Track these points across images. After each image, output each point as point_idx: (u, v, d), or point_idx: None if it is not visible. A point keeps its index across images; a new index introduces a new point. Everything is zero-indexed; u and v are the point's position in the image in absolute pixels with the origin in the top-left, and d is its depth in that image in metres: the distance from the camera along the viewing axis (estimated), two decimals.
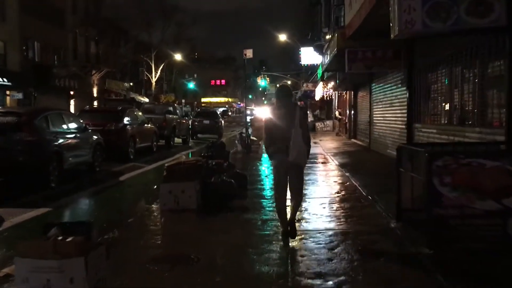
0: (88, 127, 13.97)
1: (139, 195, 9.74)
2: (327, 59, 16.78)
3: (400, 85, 12.67)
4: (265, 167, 13.46)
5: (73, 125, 11.74)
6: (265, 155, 17.63)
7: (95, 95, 39.61)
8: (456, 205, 5.10)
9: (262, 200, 8.62)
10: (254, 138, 19.08)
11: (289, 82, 75.09)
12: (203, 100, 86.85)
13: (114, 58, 42.90)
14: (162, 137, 19.30)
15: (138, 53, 50.34)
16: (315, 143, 21.01)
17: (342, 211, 7.58)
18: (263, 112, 38.07)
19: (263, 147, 18.68)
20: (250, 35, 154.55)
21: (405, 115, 11.88)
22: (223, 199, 8.44)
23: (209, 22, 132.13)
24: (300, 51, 32.71)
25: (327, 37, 25.51)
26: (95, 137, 12.62)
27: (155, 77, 53.65)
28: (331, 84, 24.31)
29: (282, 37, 45.48)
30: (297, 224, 6.34)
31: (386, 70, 12.23)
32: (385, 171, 11.62)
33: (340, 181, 10.41)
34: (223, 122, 27.91)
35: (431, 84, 10.59)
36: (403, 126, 12.09)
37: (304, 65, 34.26)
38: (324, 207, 7.84)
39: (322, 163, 14.02)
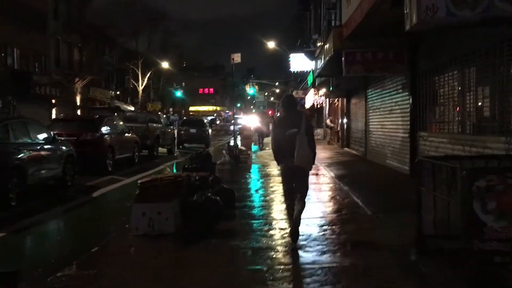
0: (61, 137, 12.74)
1: (111, 216, 8.49)
2: (319, 65, 15.68)
3: (401, 90, 11.58)
4: (255, 180, 12.25)
5: (39, 136, 10.43)
6: (255, 166, 16.47)
7: (78, 103, 38.10)
8: (504, 239, 3.92)
9: (252, 221, 7.40)
10: (243, 148, 17.86)
11: (277, 91, 74.21)
12: (191, 108, 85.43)
13: (98, 66, 41.48)
14: (145, 147, 18.00)
15: (124, 61, 49.03)
16: None
17: (346, 235, 6.36)
18: (251, 121, 36.98)
19: (253, 157, 17.37)
20: (238, 44, 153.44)
21: (408, 122, 10.79)
22: (207, 220, 7.23)
23: (197, 31, 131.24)
24: (289, 57, 31.66)
25: (318, 44, 24.51)
26: (66, 148, 11.32)
27: (142, 85, 52.29)
28: (323, 91, 23.23)
29: (271, 45, 44.51)
30: (295, 255, 5.49)
31: (388, 73, 11.12)
32: (388, 184, 10.49)
33: (339, 197, 9.21)
34: (210, 131, 26.64)
35: (439, 88, 9.50)
36: (406, 135, 10.98)
37: (293, 72, 33.19)
38: (325, 230, 6.64)
39: (316, 174, 12.83)
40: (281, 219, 7.35)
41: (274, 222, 7.21)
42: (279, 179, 12.18)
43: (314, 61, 25.72)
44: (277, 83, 61.81)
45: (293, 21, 50.31)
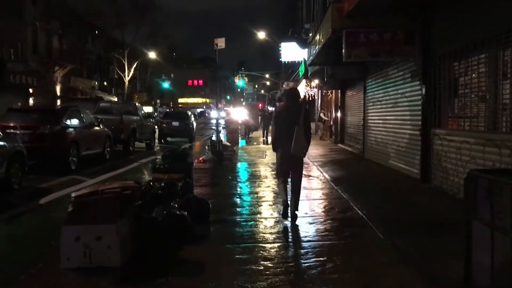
0: (15, 130, 10.85)
1: (50, 232, 6.58)
2: (313, 52, 13.85)
3: (409, 80, 9.78)
4: (240, 183, 10.40)
5: None
6: (240, 164, 14.64)
7: (58, 93, 35.91)
8: None
9: (230, 245, 5.54)
10: (228, 144, 16.01)
11: (267, 83, 72.26)
12: (180, 100, 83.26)
13: (80, 54, 39.25)
14: (119, 141, 16.07)
15: (109, 50, 46.76)
16: None
17: (352, 274, 4.55)
18: (239, 113, 35.01)
19: (240, 154, 15.52)
20: (229, 37, 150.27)
21: (418, 117, 9.00)
22: (168, 245, 5.43)
23: (187, 23, 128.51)
24: (280, 47, 29.74)
25: (311, 34, 22.66)
26: (11, 144, 9.40)
27: (128, 76, 50.08)
28: (316, 82, 21.41)
29: (261, 35, 42.59)
30: None
31: (396, 58, 9.30)
32: (395, 191, 8.70)
33: (338, 210, 7.39)
34: (195, 124, 24.71)
35: (459, 76, 7.71)
36: (415, 132, 9.19)
37: (284, 62, 31.29)
38: (321, 264, 4.82)
39: (309, 176, 11.03)
40: (271, 242, 5.54)
41: (261, 247, 5.37)
42: (269, 181, 10.43)
43: (306, 50, 23.88)
44: (267, 75, 59.89)
45: (285, 12, 48.43)
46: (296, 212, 6.49)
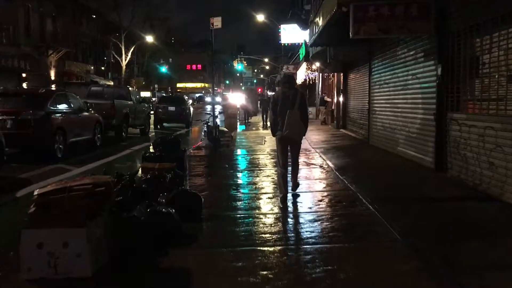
0: None
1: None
2: (315, 31, 12.91)
3: (422, 59, 8.88)
4: (237, 172, 9.56)
5: None
6: (239, 151, 13.80)
7: (52, 77, 34.87)
8: None
9: (224, 248, 4.73)
10: (225, 129, 15.14)
11: (267, 67, 71.05)
12: (178, 85, 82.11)
13: (75, 38, 38.12)
14: (110, 127, 15.21)
15: (105, 33, 45.59)
16: None
17: None
18: (237, 98, 33.97)
19: (238, 140, 14.67)
20: (228, 21, 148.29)
21: (432, 100, 8.14)
22: (151, 249, 4.64)
23: (185, 7, 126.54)
24: (279, 29, 28.67)
25: (311, 15, 21.63)
26: None
27: (125, 60, 48.94)
28: (317, 64, 20.47)
29: (260, 18, 41.42)
30: None
31: (409, 34, 8.38)
32: (409, 182, 7.87)
33: (346, 204, 6.55)
34: (192, 109, 23.80)
35: (482, 53, 6.82)
36: (429, 117, 8.34)
37: (284, 44, 30.23)
38: (330, 275, 4.01)
39: (311, 164, 10.21)
40: (272, 245, 4.73)
41: (259, 252, 4.57)
42: (268, 170, 9.61)
43: (307, 31, 22.88)
44: (266, 59, 58.72)
45: None
46: (296, 191, 6.87)
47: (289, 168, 6.91)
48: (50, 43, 33.61)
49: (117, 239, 4.54)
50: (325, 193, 7.25)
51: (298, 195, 7.01)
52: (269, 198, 6.95)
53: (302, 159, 10.96)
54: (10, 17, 29.61)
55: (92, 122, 13.43)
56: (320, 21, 11.56)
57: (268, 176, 8.82)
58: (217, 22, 13.43)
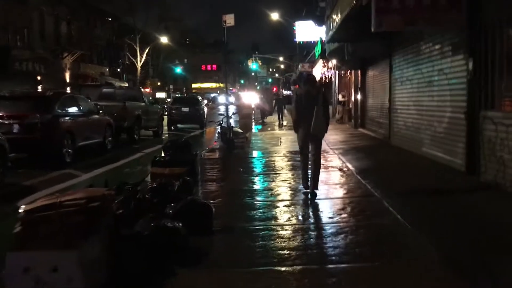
0: (1, 120, 9.65)
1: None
2: (331, 27, 12.28)
3: (450, 53, 8.20)
4: (252, 176, 8.96)
5: None
6: (254, 153, 13.24)
7: (68, 80, 34.79)
8: None
9: (236, 268, 4.17)
10: (239, 130, 14.60)
11: (282, 66, 70.39)
12: (193, 85, 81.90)
13: (89, 40, 38.01)
14: (122, 130, 14.79)
15: (120, 35, 45.47)
16: None
17: None
18: (251, 97, 33.25)
19: (253, 141, 14.11)
20: (242, 21, 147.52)
21: (462, 98, 7.46)
22: (155, 268, 4.11)
23: (199, 7, 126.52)
24: (294, 26, 28.01)
25: (327, 12, 20.95)
26: None
27: (140, 61, 48.80)
28: (333, 62, 19.78)
29: (274, 16, 40.82)
30: None
31: (438, 26, 7.68)
32: (440, 187, 7.18)
33: (371, 213, 5.92)
34: (206, 109, 23.32)
35: None
36: (459, 115, 7.66)
37: (299, 42, 29.55)
38: None
39: (330, 167, 9.60)
40: (291, 264, 4.15)
41: (276, 274, 3.99)
42: (284, 174, 9.04)
43: (323, 28, 22.21)
44: (281, 58, 58.05)
45: None
46: (315, 190, 6.70)
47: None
48: (65, 46, 33.54)
49: (116, 260, 4.01)
50: (347, 200, 6.63)
51: (317, 203, 6.43)
52: (286, 206, 6.36)
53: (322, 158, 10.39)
54: (24, 20, 29.55)
55: (102, 124, 13.01)
56: (337, 16, 10.94)
57: (284, 180, 8.24)
58: (229, 19, 12.88)
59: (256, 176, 8.94)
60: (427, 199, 6.47)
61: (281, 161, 10.65)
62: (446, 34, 8.20)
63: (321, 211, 6.11)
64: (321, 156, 7.31)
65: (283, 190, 7.43)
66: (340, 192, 7.22)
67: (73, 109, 11.58)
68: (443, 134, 8.54)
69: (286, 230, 5.28)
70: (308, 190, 6.72)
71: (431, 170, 8.40)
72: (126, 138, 15.23)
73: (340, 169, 9.23)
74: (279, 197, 6.95)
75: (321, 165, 7.17)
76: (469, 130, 7.25)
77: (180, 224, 4.68)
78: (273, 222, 5.66)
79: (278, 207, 6.34)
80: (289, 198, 6.88)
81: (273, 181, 8.31)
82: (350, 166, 9.49)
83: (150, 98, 18.34)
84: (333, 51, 15.58)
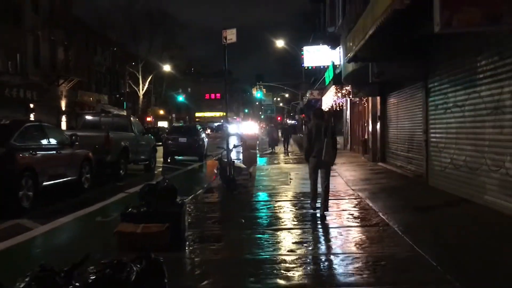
0: None
1: None
2: (352, 46, 10.04)
3: None
4: (256, 234, 6.46)
5: None
6: (259, 195, 10.73)
7: (63, 108, 32.73)
8: None
9: None
10: (242, 165, 12.18)
11: (286, 95, 68.45)
12: (197, 114, 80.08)
13: (88, 67, 36.14)
14: (105, 165, 12.41)
15: (120, 62, 43.74)
16: None
17: None
18: (254, 127, 30.96)
19: (257, 178, 11.75)
20: (246, 52, 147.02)
21: None
22: None
23: (204, 38, 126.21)
24: (302, 51, 25.95)
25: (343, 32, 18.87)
26: None
27: (142, 89, 46.93)
28: (347, 88, 17.52)
29: (280, 43, 39.07)
30: None
31: None
32: None
33: None
34: (206, 140, 20.96)
35: None
36: None
37: (307, 67, 27.43)
38: None
39: (359, 219, 7.15)
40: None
41: None
42: (299, 230, 6.64)
43: (336, 51, 20.08)
44: (285, 88, 56.10)
45: (304, 20, 44.90)
46: (325, 213, 7.20)
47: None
48: (61, 72, 31.60)
49: None
50: None
51: None
52: None
53: (344, 206, 7.91)
54: (17, 45, 27.67)
55: (78, 159, 10.67)
56: (360, 32, 8.72)
57: (301, 242, 5.81)
58: (230, 35, 10.68)
59: (262, 234, 6.45)
60: None
61: (294, 209, 8.21)
62: None
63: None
64: (344, 199, 8.09)
65: (300, 262, 5.00)
66: (389, 275, 4.72)
67: (37, 141, 9.26)
68: None
69: None
70: (317, 212, 7.36)
71: (507, 230, 5.92)
72: (111, 175, 12.82)
73: (376, 225, 6.74)
74: (296, 278, 4.50)
75: (348, 214, 7.35)
76: None
77: None
78: None
79: None
80: (311, 282, 4.42)
81: (285, 240, 5.91)
82: (385, 218, 7.04)
83: (142, 126, 15.99)
84: (352, 74, 13.31)
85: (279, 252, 5.47)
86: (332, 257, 5.24)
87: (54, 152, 9.71)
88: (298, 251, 5.47)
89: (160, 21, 47.31)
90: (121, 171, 12.95)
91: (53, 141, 9.80)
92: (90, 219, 8.06)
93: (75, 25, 33.00)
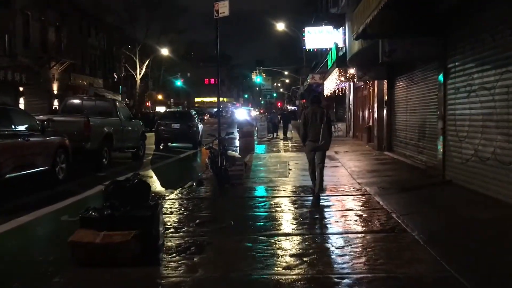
0: None
1: None
2: (352, 26, 8.75)
3: None
4: (250, 244, 5.21)
5: None
6: (255, 190, 9.43)
7: (55, 91, 31.42)
8: None
9: None
10: (236, 155, 10.94)
11: (287, 80, 66.96)
12: (196, 99, 78.66)
13: (81, 49, 34.73)
14: (85, 153, 11.20)
15: (116, 45, 42.28)
16: (331, 159, 12.96)
17: None
18: (251, 113, 29.55)
19: (252, 169, 10.56)
20: (247, 38, 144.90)
21: None
22: None
23: (204, 23, 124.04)
24: (303, 33, 24.54)
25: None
26: None
27: (140, 73, 45.52)
28: (351, 71, 16.23)
29: (280, 26, 37.63)
30: None
31: None
32: None
33: None
34: (201, 126, 19.69)
35: None
36: None
37: (308, 50, 26.01)
38: None
39: (370, 223, 5.98)
40: None
41: None
42: (301, 236, 5.42)
43: (339, 32, 18.73)
44: (286, 72, 54.65)
45: (306, 2, 43.44)
46: (329, 213, 6.74)
47: None
48: (52, 54, 30.20)
49: None
50: None
51: None
52: None
53: (350, 205, 6.68)
54: (6, 25, 26.25)
55: (51, 147, 9.46)
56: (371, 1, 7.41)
57: (300, 255, 4.61)
58: (223, 7, 9.38)
59: (254, 241, 5.26)
60: None
61: (292, 207, 7.02)
62: None
63: None
64: (351, 196, 7.70)
65: (301, 287, 3.80)
66: None
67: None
68: None
69: None
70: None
71: None
72: (91, 164, 11.62)
73: (390, 231, 5.53)
74: None
75: (357, 221, 6.01)
76: None
77: None
78: None
79: None
80: None
81: (281, 250, 4.69)
82: (402, 222, 5.84)
83: (129, 111, 14.72)
84: (358, 55, 12.00)
85: (273, 270, 4.28)
86: (337, 280, 4.04)
87: (22, 139, 8.48)
88: (296, 270, 4.27)
89: (157, 5, 45.77)
90: (104, 160, 11.74)
91: (20, 127, 8.57)
92: (55, 219, 6.89)
93: (68, 5, 31.51)
